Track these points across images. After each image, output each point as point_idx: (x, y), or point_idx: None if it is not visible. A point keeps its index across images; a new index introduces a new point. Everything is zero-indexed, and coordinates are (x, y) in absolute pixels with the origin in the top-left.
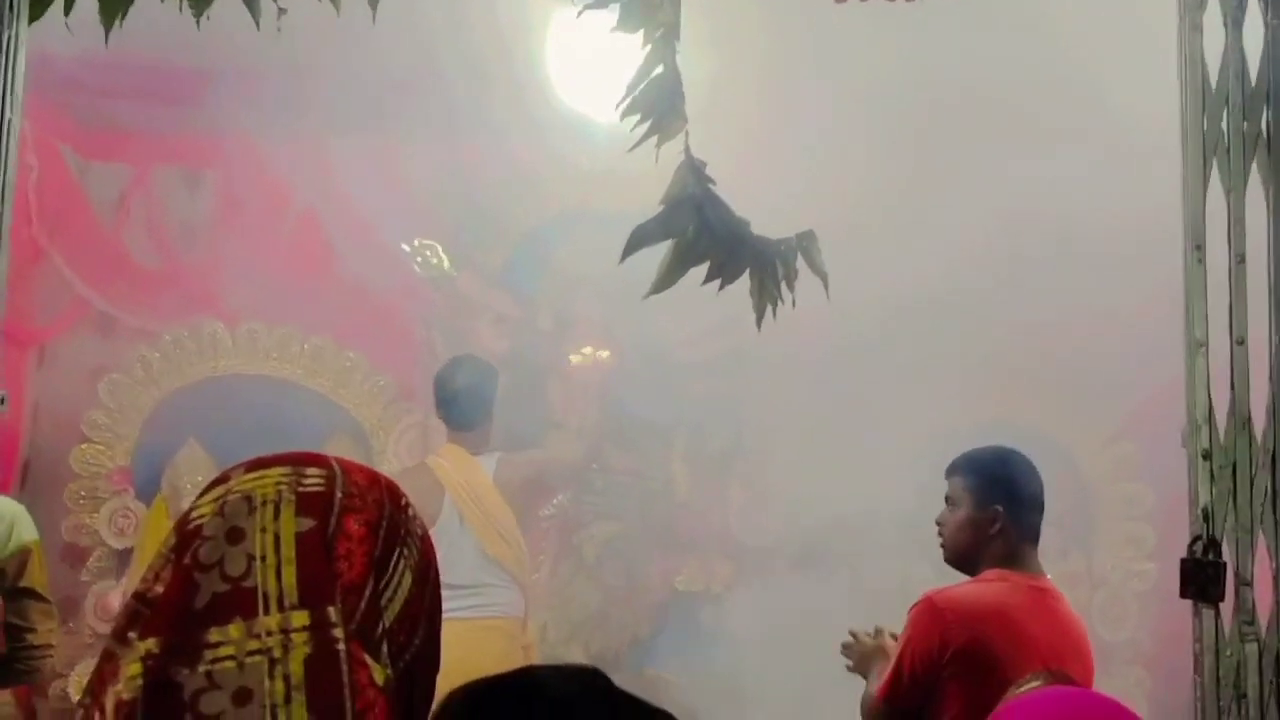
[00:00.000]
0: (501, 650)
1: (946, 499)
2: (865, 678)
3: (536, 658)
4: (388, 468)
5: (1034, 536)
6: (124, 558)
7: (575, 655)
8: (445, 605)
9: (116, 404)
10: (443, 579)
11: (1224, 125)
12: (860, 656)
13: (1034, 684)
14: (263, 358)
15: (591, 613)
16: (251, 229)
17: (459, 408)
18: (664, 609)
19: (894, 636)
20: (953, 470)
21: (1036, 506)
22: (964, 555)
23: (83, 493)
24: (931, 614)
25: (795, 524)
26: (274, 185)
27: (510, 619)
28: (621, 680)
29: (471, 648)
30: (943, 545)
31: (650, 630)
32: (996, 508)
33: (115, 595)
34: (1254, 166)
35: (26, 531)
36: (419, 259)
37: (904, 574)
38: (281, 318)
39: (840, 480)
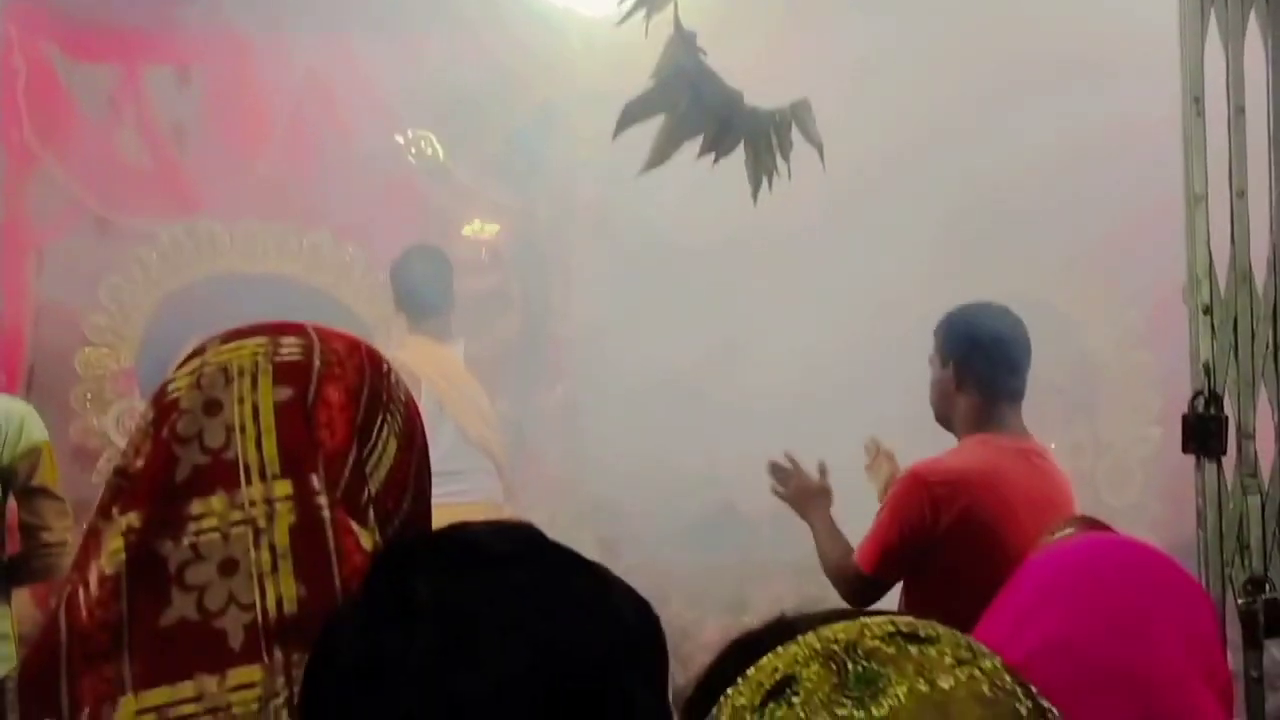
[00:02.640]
0: None
1: (929, 359)
2: (799, 512)
3: None
4: None
5: (1009, 396)
6: None
7: (586, 542)
8: None
9: (117, 306)
10: None
11: None
12: (800, 490)
13: (1067, 531)
14: (261, 255)
15: (600, 500)
16: (243, 125)
17: (422, 297)
18: (675, 493)
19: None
20: (935, 330)
21: (1008, 365)
22: (939, 413)
23: (89, 395)
24: (919, 487)
25: (804, 403)
26: (262, 80)
27: (490, 504)
28: (630, 565)
29: None
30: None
31: (663, 514)
32: (954, 364)
33: None
34: (1252, 16)
35: (36, 431)
36: (413, 150)
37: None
38: (278, 214)
39: (845, 359)
